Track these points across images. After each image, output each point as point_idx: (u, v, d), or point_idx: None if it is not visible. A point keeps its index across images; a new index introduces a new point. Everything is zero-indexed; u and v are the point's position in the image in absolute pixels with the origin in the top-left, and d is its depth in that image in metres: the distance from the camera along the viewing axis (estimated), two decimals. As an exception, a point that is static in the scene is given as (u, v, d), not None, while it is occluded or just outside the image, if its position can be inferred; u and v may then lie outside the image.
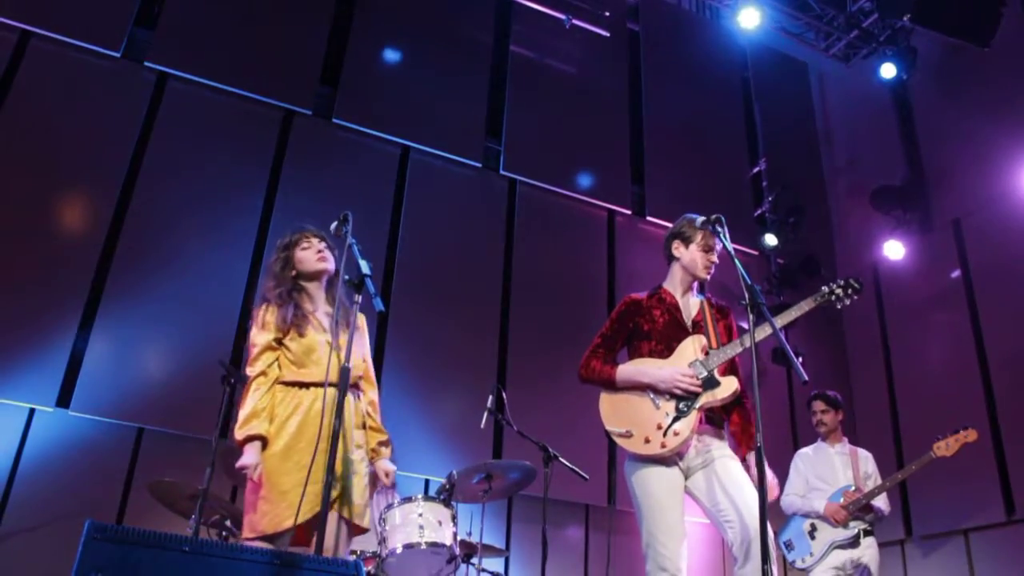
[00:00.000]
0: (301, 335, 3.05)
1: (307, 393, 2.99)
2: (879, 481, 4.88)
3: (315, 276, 3.21)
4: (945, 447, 4.73)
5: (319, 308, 3.18)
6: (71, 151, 5.54)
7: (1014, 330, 6.45)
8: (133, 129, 5.79)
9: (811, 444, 5.18)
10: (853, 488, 4.84)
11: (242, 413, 2.94)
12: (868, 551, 4.74)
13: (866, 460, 5.05)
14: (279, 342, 3.05)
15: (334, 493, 2.85)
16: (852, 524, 4.75)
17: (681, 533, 3.10)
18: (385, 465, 3.18)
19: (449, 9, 7.39)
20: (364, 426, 3.13)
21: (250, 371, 3.03)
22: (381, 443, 3.20)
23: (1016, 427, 6.30)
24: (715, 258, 3.42)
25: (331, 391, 2.94)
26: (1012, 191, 6.67)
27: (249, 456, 2.88)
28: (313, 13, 6.76)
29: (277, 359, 3.05)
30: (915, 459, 4.84)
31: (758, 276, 7.54)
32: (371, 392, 3.24)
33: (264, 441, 2.90)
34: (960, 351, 6.84)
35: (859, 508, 4.73)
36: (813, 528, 4.84)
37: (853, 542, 4.73)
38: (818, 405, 5.08)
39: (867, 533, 4.77)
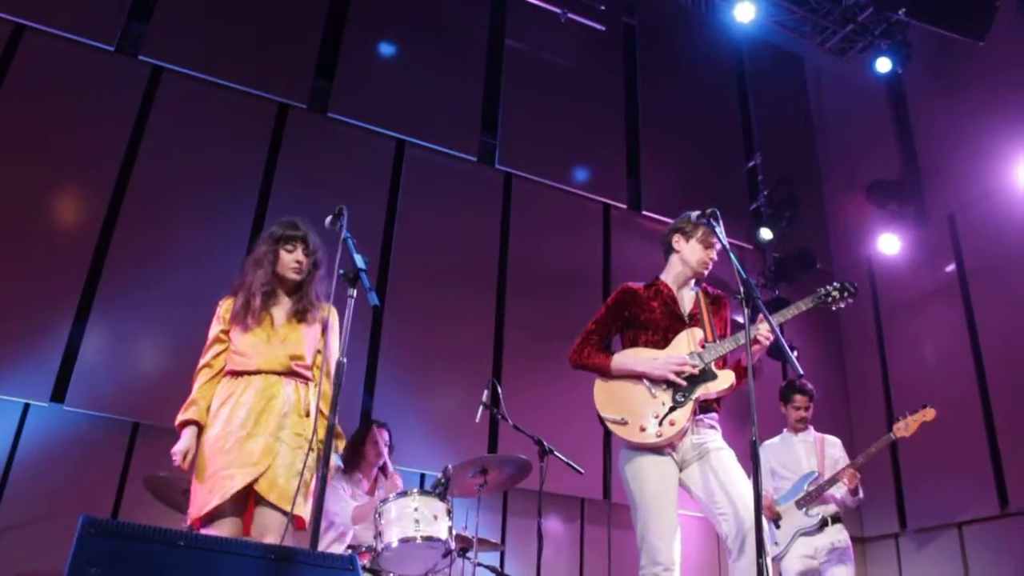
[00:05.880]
0: (248, 327, 3.14)
1: (240, 381, 3.08)
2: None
3: (283, 280, 3.27)
4: (904, 427, 4.70)
5: (279, 303, 3.25)
6: (65, 145, 5.51)
7: (1008, 324, 6.47)
8: (127, 123, 5.76)
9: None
10: (816, 475, 4.82)
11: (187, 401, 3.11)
12: (839, 535, 4.70)
13: (833, 446, 5.02)
14: (226, 333, 3.18)
15: (259, 475, 2.92)
16: (815, 511, 4.72)
17: (675, 526, 3.11)
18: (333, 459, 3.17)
19: (444, 2, 7.38)
20: (307, 415, 3.12)
21: (200, 361, 3.18)
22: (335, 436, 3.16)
23: (1010, 420, 6.31)
24: (714, 255, 3.46)
25: (261, 378, 3.06)
26: (1007, 185, 6.68)
27: (181, 442, 3.03)
28: (308, 6, 6.74)
29: (224, 351, 3.16)
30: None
31: (753, 270, 7.56)
32: (325, 384, 3.14)
33: (199, 428, 3.04)
34: (954, 344, 6.86)
35: (814, 499, 4.71)
36: (777, 516, 4.80)
37: (818, 528, 4.71)
38: (803, 400, 5.01)
39: (835, 520, 4.74)
